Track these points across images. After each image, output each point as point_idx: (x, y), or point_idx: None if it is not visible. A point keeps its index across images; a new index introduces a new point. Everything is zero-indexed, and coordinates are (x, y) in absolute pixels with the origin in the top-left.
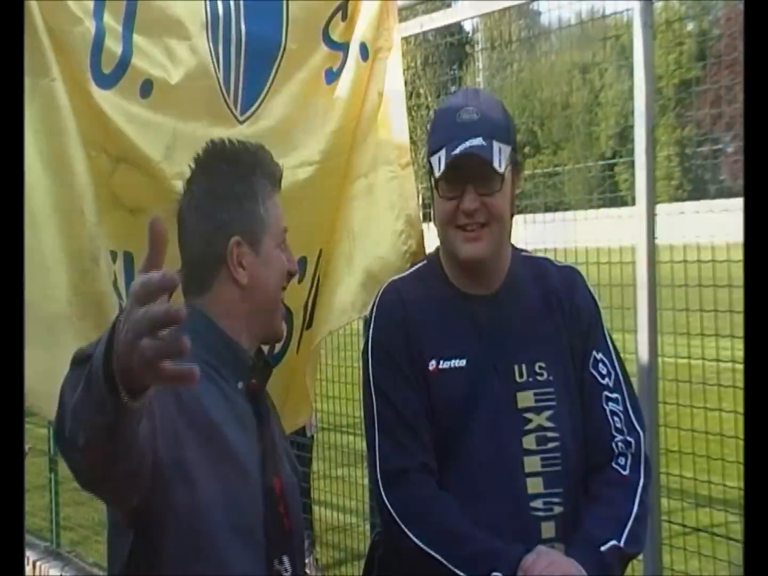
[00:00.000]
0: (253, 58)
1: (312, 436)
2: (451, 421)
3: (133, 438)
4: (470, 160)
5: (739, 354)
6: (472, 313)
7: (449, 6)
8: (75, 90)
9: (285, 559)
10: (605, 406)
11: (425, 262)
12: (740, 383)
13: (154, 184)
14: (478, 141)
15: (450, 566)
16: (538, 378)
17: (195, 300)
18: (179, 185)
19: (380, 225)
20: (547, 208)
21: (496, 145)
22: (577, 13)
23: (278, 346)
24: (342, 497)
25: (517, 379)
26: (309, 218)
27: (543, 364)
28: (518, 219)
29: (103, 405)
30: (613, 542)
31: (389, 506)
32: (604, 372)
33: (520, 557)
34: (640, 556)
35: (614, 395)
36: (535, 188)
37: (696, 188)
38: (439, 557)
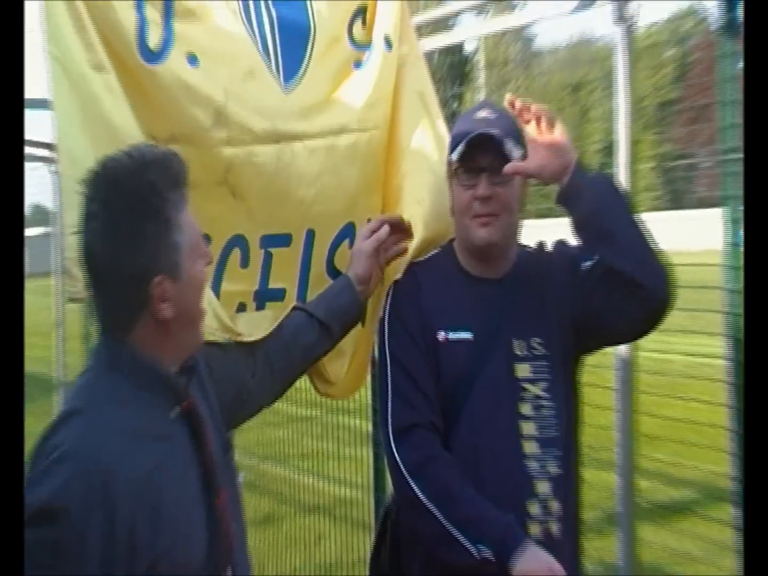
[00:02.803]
0: (287, 35)
1: None
2: (456, 386)
3: None
4: (486, 143)
5: (714, 350)
6: (480, 293)
7: (451, 28)
8: (128, 74)
9: (228, 569)
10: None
11: (440, 250)
12: (715, 377)
13: (202, 155)
14: (494, 131)
15: (445, 523)
16: (535, 353)
17: (118, 340)
18: (225, 151)
19: (444, 204)
20: (539, 215)
21: (508, 140)
22: (569, 37)
23: None
24: (350, 474)
25: (516, 352)
26: (353, 184)
27: (540, 341)
28: None
29: None
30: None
31: (398, 458)
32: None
33: (508, 529)
34: (619, 530)
35: None
36: (528, 197)
37: (674, 199)
38: (436, 513)
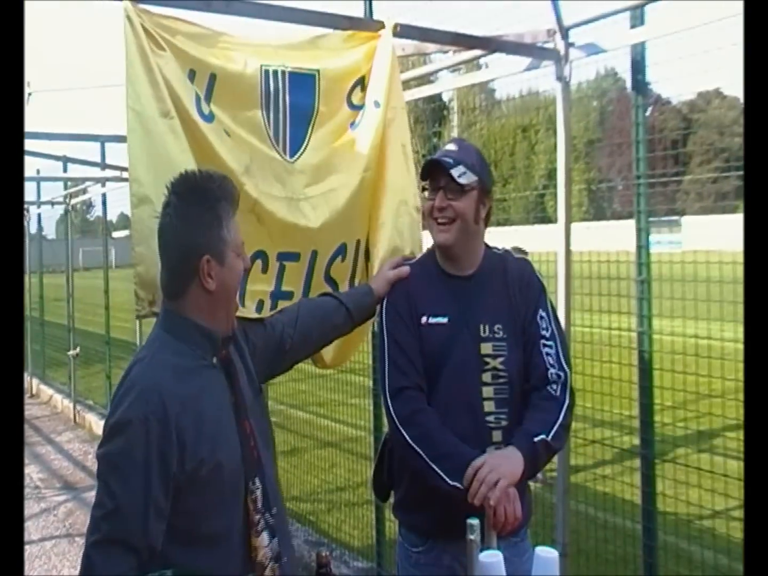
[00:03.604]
0: (295, 118)
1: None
2: (435, 358)
3: None
4: (437, 167)
5: (625, 324)
6: (454, 287)
7: (432, 82)
8: (186, 123)
9: (257, 480)
10: (541, 349)
11: (426, 253)
12: (625, 345)
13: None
14: (447, 159)
15: (427, 459)
16: (496, 335)
17: (173, 301)
18: (252, 192)
19: (413, 231)
20: (498, 224)
21: (461, 167)
22: (520, 90)
23: None
24: (355, 418)
25: (482, 334)
26: (347, 215)
27: (500, 326)
28: None
29: None
30: (542, 436)
31: (392, 411)
32: (544, 325)
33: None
34: (556, 458)
35: (549, 342)
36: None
37: (597, 212)
38: (420, 451)
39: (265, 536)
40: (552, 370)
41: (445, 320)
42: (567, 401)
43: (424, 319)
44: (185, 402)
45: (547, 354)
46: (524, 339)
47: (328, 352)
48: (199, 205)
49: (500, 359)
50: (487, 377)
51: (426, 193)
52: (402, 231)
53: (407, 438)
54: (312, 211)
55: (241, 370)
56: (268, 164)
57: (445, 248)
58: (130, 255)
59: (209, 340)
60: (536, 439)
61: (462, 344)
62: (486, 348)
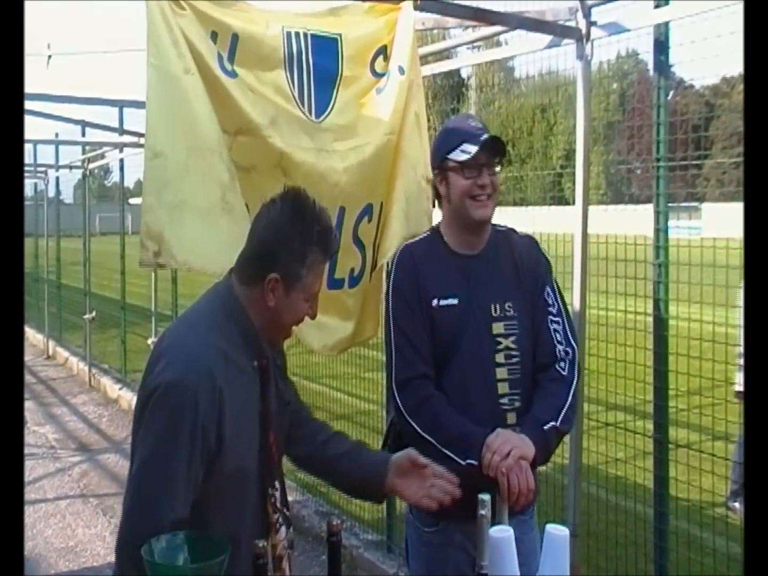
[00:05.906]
0: (319, 80)
1: None
2: (447, 341)
3: None
4: (494, 144)
5: (641, 308)
6: (462, 267)
7: (450, 58)
8: (208, 79)
9: (276, 483)
10: (549, 325)
11: (429, 232)
12: (641, 328)
13: (261, 145)
14: (492, 135)
15: (438, 446)
16: (507, 313)
17: (241, 286)
18: (278, 144)
19: (420, 200)
20: (515, 204)
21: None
22: (540, 69)
23: (356, 271)
24: (368, 392)
25: (493, 313)
26: (372, 175)
27: (511, 304)
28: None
29: None
30: (552, 423)
31: (399, 403)
32: (550, 302)
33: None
34: (567, 440)
35: (556, 318)
36: (507, 190)
37: (615, 195)
38: (431, 439)
39: (282, 530)
40: (560, 347)
41: (455, 301)
42: (575, 379)
43: (435, 302)
44: (230, 390)
45: (555, 330)
46: (533, 316)
47: (320, 338)
48: (295, 231)
49: (512, 338)
50: (500, 358)
51: (461, 173)
52: (410, 201)
53: (417, 429)
54: (341, 162)
55: (273, 381)
56: (295, 120)
57: (483, 224)
58: (140, 205)
59: (253, 343)
60: (546, 428)
61: (474, 325)
62: (498, 327)
